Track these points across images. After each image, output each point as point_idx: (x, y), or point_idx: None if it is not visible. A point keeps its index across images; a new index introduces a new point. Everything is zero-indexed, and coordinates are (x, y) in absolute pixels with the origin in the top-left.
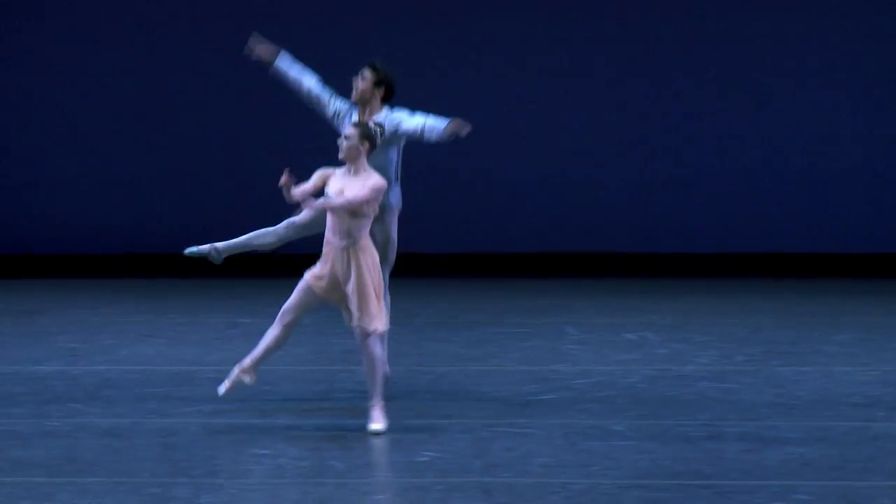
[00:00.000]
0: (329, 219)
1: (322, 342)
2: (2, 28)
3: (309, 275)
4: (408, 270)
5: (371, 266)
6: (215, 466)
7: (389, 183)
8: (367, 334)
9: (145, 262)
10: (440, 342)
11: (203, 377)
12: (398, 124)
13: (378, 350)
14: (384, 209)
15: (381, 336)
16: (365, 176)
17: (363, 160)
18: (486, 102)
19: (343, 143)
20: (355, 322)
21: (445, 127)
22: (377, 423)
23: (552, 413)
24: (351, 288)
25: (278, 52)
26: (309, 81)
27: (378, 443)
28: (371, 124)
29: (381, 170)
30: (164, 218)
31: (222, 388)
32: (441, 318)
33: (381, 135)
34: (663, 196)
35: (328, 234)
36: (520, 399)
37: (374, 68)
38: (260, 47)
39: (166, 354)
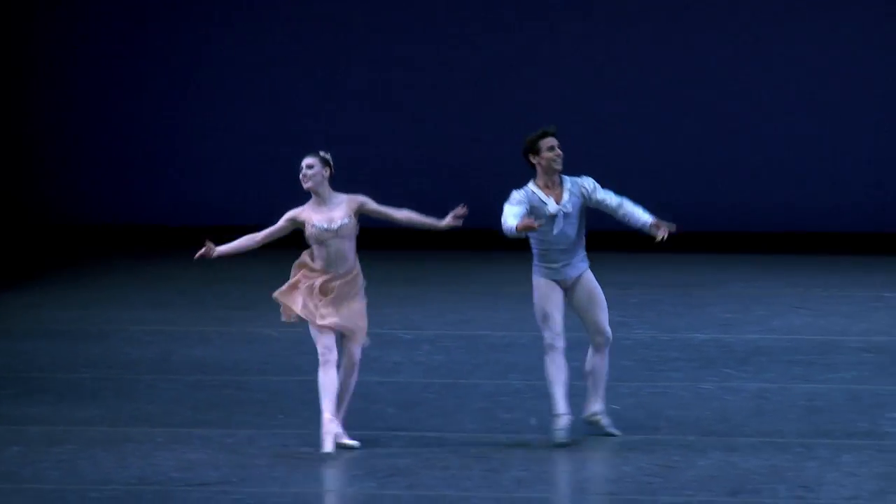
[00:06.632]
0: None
1: None
2: None
3: None
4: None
5: None
6: (855, 429)
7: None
8: None
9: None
10: None
11: (847, 346)
12: (592, 190)
13: None
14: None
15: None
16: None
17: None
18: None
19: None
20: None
21: (650, 223)
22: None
23: None
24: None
25: None
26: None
27: None
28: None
29: (568, 238)
30: None
31: None
32: None
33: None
34: None
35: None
36: None
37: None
38: None
39: (814, 325)
